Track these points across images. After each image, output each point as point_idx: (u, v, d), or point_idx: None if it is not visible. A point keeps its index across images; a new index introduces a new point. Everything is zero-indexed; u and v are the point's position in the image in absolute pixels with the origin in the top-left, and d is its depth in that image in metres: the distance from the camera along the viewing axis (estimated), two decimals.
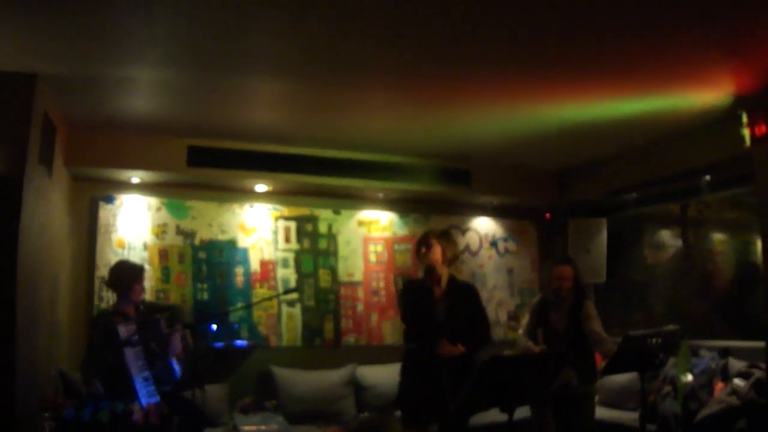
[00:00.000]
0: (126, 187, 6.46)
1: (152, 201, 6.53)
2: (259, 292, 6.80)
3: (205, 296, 6.61)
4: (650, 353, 4.44)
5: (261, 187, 6.84)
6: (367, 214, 7.43)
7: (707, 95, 5.03)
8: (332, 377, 6.56)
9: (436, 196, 7.45)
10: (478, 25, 3.90)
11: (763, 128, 4.85)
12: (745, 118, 4.99)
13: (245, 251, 6.83)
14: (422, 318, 4.59)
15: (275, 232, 6.99)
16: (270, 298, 6.72)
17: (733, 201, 6.47)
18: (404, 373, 4.72)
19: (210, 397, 5.13)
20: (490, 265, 7.93)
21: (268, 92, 5.19)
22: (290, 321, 6.91)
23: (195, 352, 4.82)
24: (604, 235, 7.33)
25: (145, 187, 6.52)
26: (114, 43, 4.08)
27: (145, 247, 6.43)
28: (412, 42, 4.14)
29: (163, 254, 6.50)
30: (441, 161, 7.15)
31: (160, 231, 6.52)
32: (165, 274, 6.48)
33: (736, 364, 5.42)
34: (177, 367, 4.82)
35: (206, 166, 6.31)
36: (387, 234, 7.49)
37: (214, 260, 6.69)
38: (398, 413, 4.89)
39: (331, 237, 7.23)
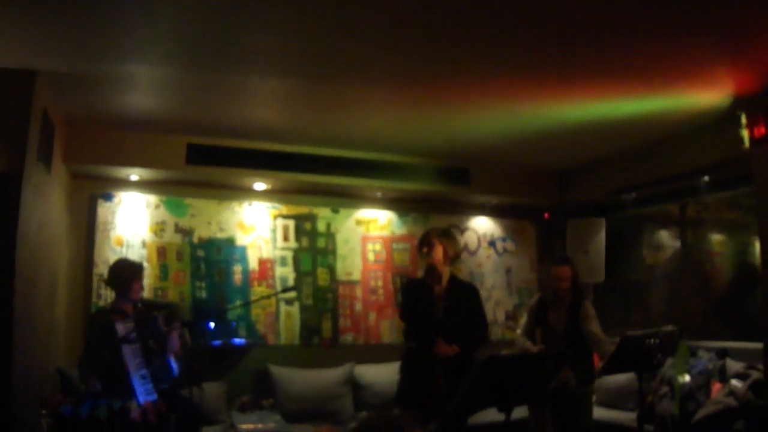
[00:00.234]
0: (125, 184, 6.46)
1: (151, 198, 6.53)
2: (258, 290, 6.80)
3: (204, 294, 6.61)
4: (648, 354, 4.44)
5: (260, 186, 6.84)
6: (366, 213, 7.43)
7: (706, 96, 5.03)
8: (330, 376, 6.56)
9: (435, 195, 7.45)
10: (478, 24, 3.89)
11: (762, 129, 4.86)
12: (744, 119, 4.99)
13: (244, 249, 6.83)
14: (421, 316, 4.60)
15: (274, 231, 6.99)
16: (268, 297, 6.73)
17: (732, 202, 6.47)
18: (403, 372, 4.72)
19: (208, 395, 5.13)
20: (488, 265, 7.93)
21: (268, 90, 5.18)
22: (288, 319, 6.91)
23: (193, 350, 4.81)
24: (603, 235, 7.33)
25: (143, 185, 6.51)
26: (114, 41, 4.08)
27: (144, 244, 6.43)
28: (411, 41, 4.14)
29: (162, 252, 6.50)
30: (440, 160, 7.16)
31: (159, 229, 6.52)
32: (163, 271, 6.48)
33: (733, 365, 5.42)
34: (175, 364, 4.82)
35: (205, 164, 6.30)
36: (385, 233, 7.49)
37: (212, 258, 6.69)
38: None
39: (330, 236, 7.23)
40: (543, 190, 7.77)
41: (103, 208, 6.33)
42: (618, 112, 5.44)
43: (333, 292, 7.17)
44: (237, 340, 5.80)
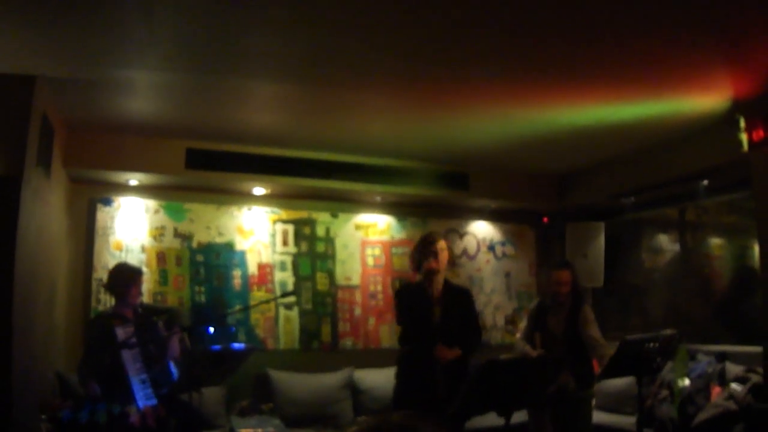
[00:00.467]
0: (124, 189, 6.46)
1: (150, 203, 6.53)
2: (257, 295, 6.79)
3: (203, 299, 6.61)
4: (648, 357, 4.44)
5: (259, 190, 6.84)
6: (365, 218, 7.43)
7: (705, 100, 5.04)
8: (329, 380, 6.56)
9: (434, 199, 7.45)
10: (477, 28, 3.90)
11: (761, 133, 4.86)
12: (742, 123, 4.99)
13: (243, 254, 6.83)
14: (419, 321, 4.59)
15: (273, 235, 6.99)
16: (267, 301, 6.72)
17: (731, 205, 6.48)
18: (400, 376, 4.71)
19: (207, 400, 5.13)
20: (487, 269, 7.93)
21: (267, 95, 5.19)
22: (287, 324, 6.91)
23: (192, 354, 4.81)
24: (602, 239, 7.33)
25: (143, 190, 6.52)
26: (113, 45, 4.08)
27: (143, 249, 6.43)
28: (410, 45, 4.15)
29: (161, 257, 6.50)
30: (439, 165, 7.16)
31: (158, 233, 6.52)
32: (162, 276, 6.48)
33: (733, 369, 5.42)
34: (174, 369, 4.82)
35: (204, 168, 6.30)
36: (385, 237, 7.49)
37: (211, 263, 6.69)
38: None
39: (329, 240, 7.23)
40: (542, 194, 7.77)
41: (102, 213, 6.34)
42: (617, 116, 5.45)
43: (332, 296, 7.16)
44: (236, 345, 5.81)
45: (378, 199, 7.32)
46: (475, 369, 3.53)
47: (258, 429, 5.62)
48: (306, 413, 6.26)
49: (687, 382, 5.55)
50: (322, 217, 7.23)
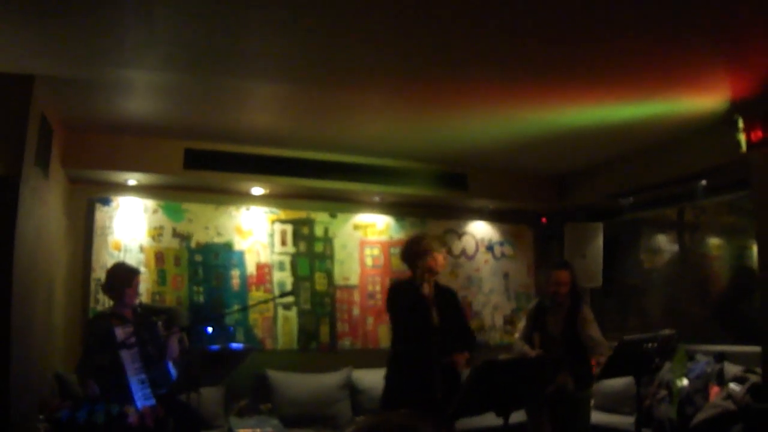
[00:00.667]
0: (122, 189, 6.45)
1: (149, 203, 6.53)
2: (255, 295, 6.79)
3: (201, 299, 6.60)
4: (646, 358, 4.45)
5: (257, 190, 6.84)
6: (364, 218, 7.43)
7: (704, 100, 5.04)
8: (328, 380, 6.56)
9: (433, 199, 7.45)
10: (476, 29, 3.90)
11: (759, 133, 4.87)
12: (741, 123, 5.00)
13: (241, 254, 6.83)
14: (419, 322, 4.57)
15: (271, 235, 6.98)
16: (266, 301, 6.71)
17: (730, 205, 6.48)
18: (393, 376, 4.69)
19: (205, 400, 5.13)
20: (486, 269, 7.93)
21: (265, 95, 5.19)
22: (286, 324, 6.90)
23: (191, 354, 4.80)
24: (601, 239, 7.33)
25: (141, 190, 6.51)
26: (112, 45, 4.08)
27: (142, 249, 6.42)
28: (409, 45, 4.14)
29: (159, 257, 6.50)
30: (437, 165, 7.16)
31: (157, 233, 6.51)
32: (161, 276, 6.47)
33: (731, 369, 5.43)
34: (173, 370, 4.82)
35: (203, 168, 6.30)
36: (383, 238, 7.49)
37: (210, 263, 6.69)
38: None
39: (327, 240, 7.23)
40: (541, 194, 7.78)
41: (100, 213, 6.33)
42: (615, 117, 5.45)
43: (331, 296, 7.16)
44: (235, 345, 5.81)
45: (376, 199, 7.32)
46: (474, 369, 3.53)
47: (256, 429, 5.61)
48: (304, 413, 6.25)
49: (685, 382, 5.55)
50: (321, 217, 7.23)
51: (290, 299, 6.91)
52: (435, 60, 4.39)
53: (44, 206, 5.10)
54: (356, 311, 7.25)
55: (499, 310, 7.91)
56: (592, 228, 7.41)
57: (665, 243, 7.32)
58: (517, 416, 4.02)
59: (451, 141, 6.33)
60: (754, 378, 5.07)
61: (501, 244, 8.07)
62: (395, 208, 7.55)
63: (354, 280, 7.29)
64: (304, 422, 6.17)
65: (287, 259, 7.02)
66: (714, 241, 6.79)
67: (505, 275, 8.03)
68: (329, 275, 7.18)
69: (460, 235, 7.85)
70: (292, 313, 6.95)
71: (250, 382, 6.38)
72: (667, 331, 4.58)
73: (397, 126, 5.93)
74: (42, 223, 5.00)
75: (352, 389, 6.65)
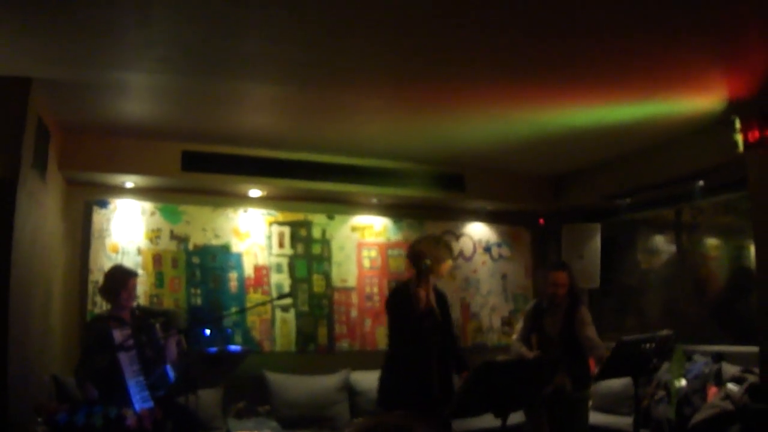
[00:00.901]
0: (120, 191, 6.44)
1: (146, 205, 6.52)
2: (253, 297, 6.79)
3: (199, 301, 6.60)
4: (644, 358, 4.45)
5: (255, 192, 6.83)
6: (361, 220, 7.43)
7: (701, 100, 5.05)
8: (326, 382, 6.55)
9: (430, 201, 7.45)
10: (472, 30, 3.90)
11: (756, 133, 4.87)
12: (738, 124, 5.00)
13: (239, 256, 6.82)
14: (421, 323, 4.56)
15: (269, 237, 6.98)
16: (263, 303, 6.71)
17: (727, 206, 6.48)
18: (389, 376, 4.69)
19: (203, 402, 5.10)
20: (483, 271, 7.93)
21: (263, 97, 5.19)
22: (284, 326, 6.90)
23: (188, 356, 4.80)
24: (598, 240, 7.34)
25: (139, 192, 6.50)
26: (109, 48, 4.08)
27: (139, 251, 6.42)
28: (406, 47, 4.15)
29: (157, 259, 6.49)
30: (435, 166, 7.16)
31: (154, 236, 6.50)
32: (159, 278, 6.46)
33: (729, 369, 5.43)
34: (171, 372, 4.81)
35: (200, 170, 6.29)
36: (381, 239, 7.49)
37: (207, 265, 6.68)
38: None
39: (325, 242, 7.22)
40: (538, 195, 7.78)
41: (98, 215, 6.32)
42: (612, 117, 5.45)
43: (328, 298, 7.16)
44: (232, 347, 5.79)
45: (374, 200, 7.32)
46: (472, 370, 3.53)
47: (255, 431, 5.62)
48: (303, 415, 6.24)
49: (683, 382, 5.55)
50: (318, 219, 7.22)
51: (288, 301, 6.91)
52: (432, 61, 4.39)
53: (41, 209, 5.10)
54: (354, 313, 7.24)
55: (497, 312, 7.91)
56: (590, 229, 7.41)
57: (663, 243, 7.33)
58: (516, 417, 4.03)
59: (449, 142, 6.33)
60: (752, 378, 5.07)
61: (498, 245, 8.07)
62: (393, 209, 7.55)
63: (352, 281, 7.28)
64: (303, 424, 6.16)
65: (285, 261, 7.01)
66: (711, 242, 6.80)
67: (503, 276, 8.03)
68: (327, 277, 7.18)
69: (457, 236, 7.85)
70: (290, 315, 6.94)
71: (248, 384, 6.36)
72: (664, 332, 4.58)
73: (394, 127, 5.93)
74: (39, 226, 5.00)
75: (350, 391, 6.64)
